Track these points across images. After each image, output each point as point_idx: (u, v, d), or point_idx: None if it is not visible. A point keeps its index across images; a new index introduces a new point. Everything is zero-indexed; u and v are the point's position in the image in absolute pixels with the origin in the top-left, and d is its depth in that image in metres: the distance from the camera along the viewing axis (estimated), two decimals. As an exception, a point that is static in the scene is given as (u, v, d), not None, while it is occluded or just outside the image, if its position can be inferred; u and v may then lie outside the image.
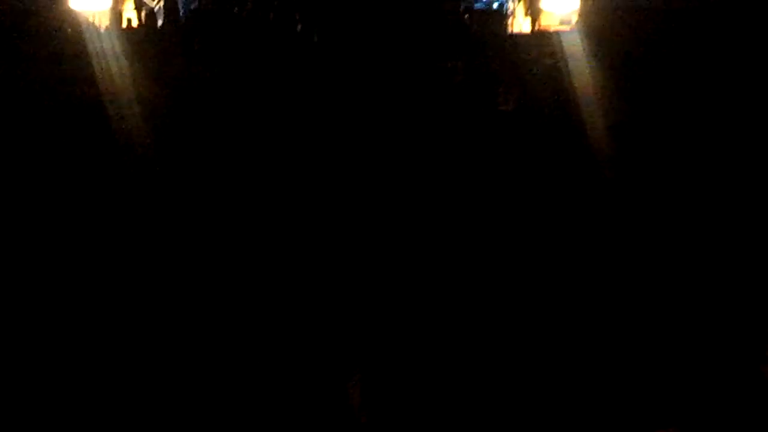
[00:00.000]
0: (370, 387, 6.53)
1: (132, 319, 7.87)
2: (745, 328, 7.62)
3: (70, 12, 18.89)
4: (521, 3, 19.34)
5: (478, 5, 19.65)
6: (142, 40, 18.10)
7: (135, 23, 19.48)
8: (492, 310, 8.22)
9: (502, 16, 19.40)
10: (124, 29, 18.98)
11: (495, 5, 19.78)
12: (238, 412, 6.13)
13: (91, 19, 18.75)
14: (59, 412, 5.99)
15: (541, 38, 17.78)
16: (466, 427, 6.24)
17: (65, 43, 17.36)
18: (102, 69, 16.72)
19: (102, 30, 18.25)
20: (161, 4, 20.18)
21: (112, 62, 16.86)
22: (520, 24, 19.30)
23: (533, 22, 19.08)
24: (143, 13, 19.92)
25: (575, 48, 16.18)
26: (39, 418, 5.92)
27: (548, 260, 9.78)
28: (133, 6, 20.30)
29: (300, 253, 9.69)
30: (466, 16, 19.81)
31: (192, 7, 19.66)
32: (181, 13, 20.20)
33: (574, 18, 17.67)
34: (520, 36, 18.79)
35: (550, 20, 18.42)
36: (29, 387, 6.46)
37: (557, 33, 17.32)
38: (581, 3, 17.89)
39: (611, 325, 7.83)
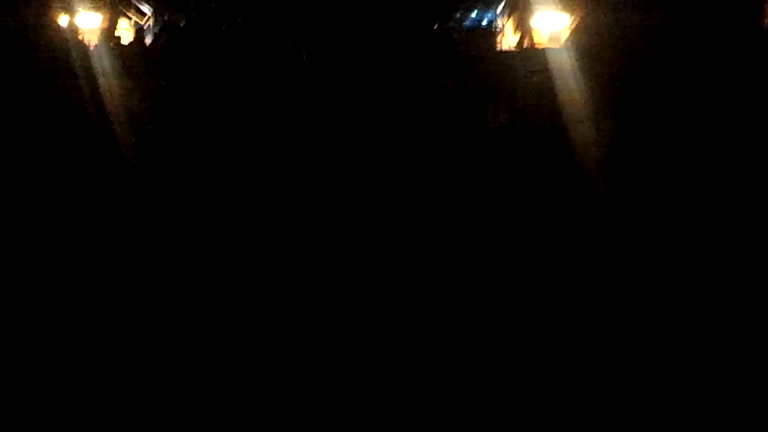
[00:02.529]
0: (357, 409, 6.54)
1: (114, 326, 7.90)
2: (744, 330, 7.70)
3: (59, 29, 18.93)
4: (510, 20, 19.37)
5: (467, 23, 19.70)
6: (131, 56, 18.12)
7: (125, 41, 19.51)
8: (479, 325, 8.22)
9: (490, 33, 19.44)
10: (113, 46, 19.00)
11: (484, 22, 19.83)
12: (230, 423, 6.15)
13: (80, 37, 18.80)
14: (59, 412, 6.00)
15: (529, 56, 17.82)
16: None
17: (55, 59, 17.37)
18: (90, 85, 16.73)
19: (91, 47, 18.29)
20: (151, 21, 20.24)
21: (101, 78, 16.87)
22: (509, 41, 19.34)
23: (522, 39, 19.11)
24: (133, 30, 19.96)
25: (564, 65, 16.20)
26: (39, 418, 5.93)
27: (537, 272, 9.80)
28: (126, 23, 20.37)
29: (283, 266, 9.72)
30: (455, 34, 19.86)
31: (181, 24, 19.70)
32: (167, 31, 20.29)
33: (564, 36, 17.69)
34: (509, 53, 18.83)
35: (539, 38, 18.44)
36: (29, 386, 6.49)
37: (546, 50, 17.34)
38: (570, 21, 17.92)
39: (599, 335, 7.86)
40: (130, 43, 20.00)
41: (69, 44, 18.19)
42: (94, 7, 19.79)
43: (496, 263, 10.24)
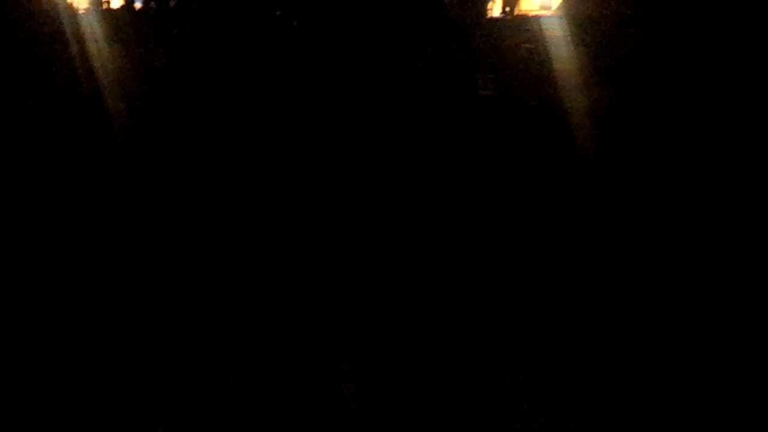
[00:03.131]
0: (362, 374, 6.57)
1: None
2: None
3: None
4: (501, -13, 19.32)
5: (457, -11, 19.62)
6: (121, 21, 18.02)
7: (114, 4, 19.39)
8: (480, 296, 8.26)
9: (480, 0, 19.35)
10: (102, 11, 18.87)
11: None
12: (230, 397, 6.16)
13: (68, 1, 18.67)
14: (59, 411, 5.98)
15: (520, 23, 17.79)
16: (456, 413, 6.27)
17: (43, 25, 17.27)
18: (80, 50, 16.65)
19: (80, 12, 18.17)
20: (139, -15, 20.11)
21: (91, 44, 16.79)
22: (499, 8, 19.27)
23: (512, 6, 19.05)
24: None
25: (555, 33, 16.19)
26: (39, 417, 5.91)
27: (528, 246, 9.81)
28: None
29: (290, 241, 9.71)
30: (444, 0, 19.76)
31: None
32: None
33: (555, 3, 17.65)
34: (499, 20, 18.77)
35: (529, 5, 18.39)
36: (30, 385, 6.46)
37: (537, 18, 17.30)
38: (561, -12, 17.88)
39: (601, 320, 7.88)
40: (120, 8, 19.85)
41: (58, 9, 18.10)
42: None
43: (486, 236, 10.26)
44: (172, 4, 19.17)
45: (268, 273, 8.77)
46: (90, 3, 18.84)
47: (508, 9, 19.20)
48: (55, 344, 7.59)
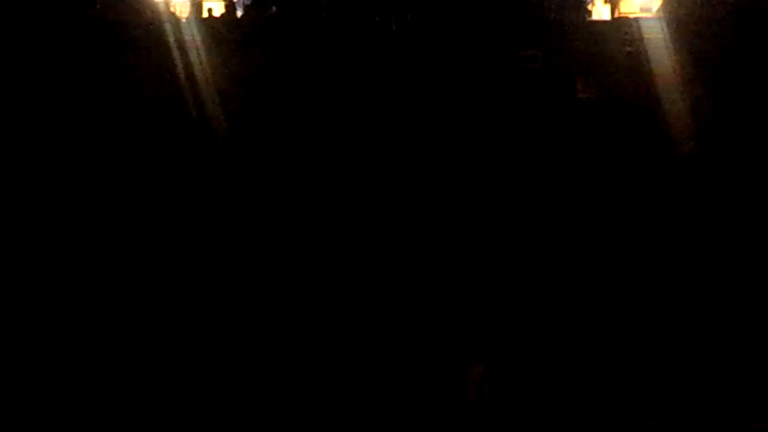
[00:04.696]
0: (488, 375, 6.58)
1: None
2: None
3: (152, 3, 19.10)
4: (601, -10, 19.19)
5: (557, -8, 19.55)
6: (223, 29, 18.25)
7: (216, 13, 19.63)
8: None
9: (581, 3, 19.24)
10: (204, 19, 19.13)
11: (575, -8, 19.61)
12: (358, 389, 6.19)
13: (172, 10, 18.96)
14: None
15: (620, 26, 17.65)
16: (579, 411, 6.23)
17: (149, 33, 17.56)
18: (184, 57, 16.90)
19: (183, 19, 18.44)
20: (241, -7, 20.33)
21: (193, 51, 17.03)
22: (599, 11, 19.15)
23: (613, 9, 18.92)
24: (224, 3, 20.05)
25: (656, 36, 16.04)
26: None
27: (630, 242, 9.72)
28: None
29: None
30: (546, 3, 19.68)
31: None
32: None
33: (655, 5, 17.48)
34: (600, 23, 18.65)
35: (629, 7, 18.25)
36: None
37: (637, 20, 17.16)
38: (662, -10, 17.71)
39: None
40: (222, 15, 20.10)
41: (162, 17, 18.40)
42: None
43: (590, 232, 10.20)
44: (272, 11, 19.36)
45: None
46: (191, 12, 19.10)
47: (609, 12, 19.05)
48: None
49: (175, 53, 16.95)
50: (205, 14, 19.72)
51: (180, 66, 16.66)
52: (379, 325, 7.50)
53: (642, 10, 17.61)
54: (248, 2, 20.19)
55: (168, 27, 17.84)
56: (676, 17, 16.79)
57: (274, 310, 7.93)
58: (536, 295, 8.36)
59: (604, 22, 18.64)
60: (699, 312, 7.85)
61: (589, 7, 18.93)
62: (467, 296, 8.47)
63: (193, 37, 17.39)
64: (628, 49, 16.84)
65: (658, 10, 17.34)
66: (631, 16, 17.94)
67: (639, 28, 16.67)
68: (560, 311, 7.82)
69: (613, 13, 18.73)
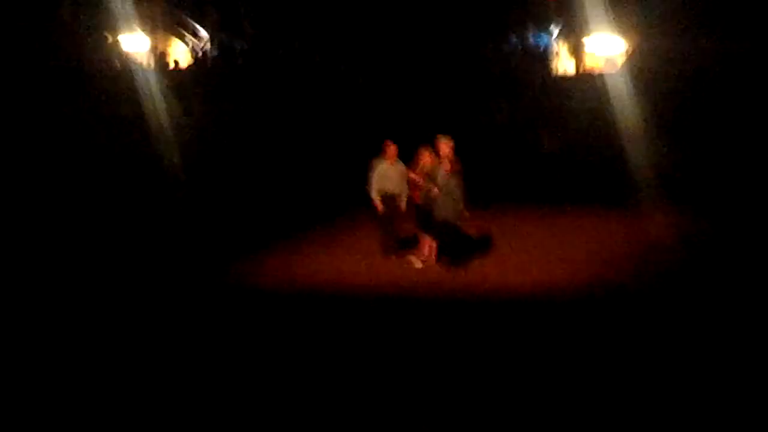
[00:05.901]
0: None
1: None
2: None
3: (122, 54, 19.14)
4: (566, 45, 19.40)
5: (522, 46, 19.77)
6: (191, 79, 18.31)
7: (182, 63, 19.66)
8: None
9: (546, 57, 19.48)
10: (171, 70, 19.21)
11: (540, 47, 19.85)
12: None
13: (139, 60, 19.01)
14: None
15: (585, 80, 17.81)
16: None
17: (119, 81, 17.63)
18: (151, 106, 16.92)
19: (150, 69, 18.48)
20: (208, 45, 20.35)
21: (159, 100, 17.08)
22: (564, 66, 19.36)
23: (578, 63, 19.14)
24: (192, 54, 20.07)
25: (620, 90, 16.20)
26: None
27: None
28: (183, 46, 20.48)
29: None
30: (511, 57, 19.91)
31: (239, 48, 19.85)
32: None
33: (620, 60, 17.71)
34: (565, 77, 18.83)
35: (594, 62, 18.45)
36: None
37: (602, 75, 17.36)
38: (626, 46, 17.94)
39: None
40: (189, 66, 20.20)
41: (129, 66, 18.47)
42: (149, 30, 20.02)
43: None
44: (239, 61, 19.39)
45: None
46: (159, 61, 19.10)
47: (573, 66, 19.21)
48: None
49: (145, 102, 17.02)
50: (172, 65, 19.72)
51: (148, 115, 16.76)
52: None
53: (607, 64, 17.84)
54: (216, 54, 20.26)
55: (137, 76, 17.90)
56: (641, 71, 17.03)
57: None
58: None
59: (569, 76, 18.82)
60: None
61: (554, 61, 19.12)
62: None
63: (160, 86, 17.46)
64: (593, 103, 17.04)
65: (623, 66, 17.57)
66: (596, 71, 18.14)
67: (603, 83, 16.87)
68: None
69: (578, 68, 18.92)
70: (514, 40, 19.64)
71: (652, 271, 10.19)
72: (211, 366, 7.36)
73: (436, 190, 10.29)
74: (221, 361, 7.48)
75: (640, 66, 16.92)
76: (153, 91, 17.36)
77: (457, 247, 10.38)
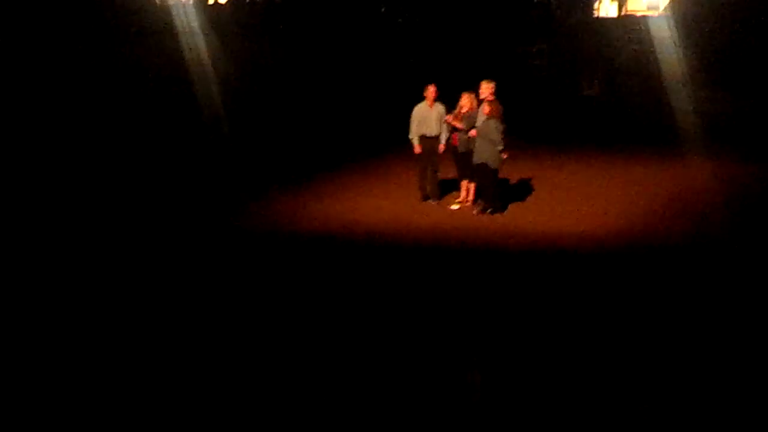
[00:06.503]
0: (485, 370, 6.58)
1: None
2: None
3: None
4: (609, -13, 19.26)
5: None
6: (230, 14, 18.29)
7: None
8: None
9: (588, 0, 19.32)
10: (211, 4, 19.18)
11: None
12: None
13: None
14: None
15: (627, 23, 17.69)
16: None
17: (154, 18, 17.61)
18: (189, 41, 16.91)
19: (189, 4, 18.45)
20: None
21: (198, 35, 17.05)
22: (606, 8, 19.21)
23: (620, 7, 18.99)
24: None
25: (662, 33, 16.07)
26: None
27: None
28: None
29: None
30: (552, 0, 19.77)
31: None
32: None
33: (662, 4, 17.53)
34: (606, 20, 18.70)
35: (637, 5, 18.31)
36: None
37: (644, 18, 17.20)
38: (670, -11, 17.78)
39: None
40: (228, 2, 20.16)
41: (167, 3, 18.46)
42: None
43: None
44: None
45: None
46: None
47: (615, 9, 19.08)
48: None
49: (182, 37, 17.01)
50: (211, 0, 19.70)
51: (185, 49, 16.75)
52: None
53: (649, 8, 17.67)
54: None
55: (173, 12, 17.88)
56: (683, 14, 16.84)
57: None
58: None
59: (610, 19, 18.72)
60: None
61: (596, 5, 18.99)
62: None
63: (200, 22, 17.44)
64: (634, 46, 16.91)
65: (666, 9, 17.39)
66: (638, 14, 17.99)
67: (646, 25, 16.72)
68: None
69: (620, 10, 18.79)
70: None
71: (698, 221, 10.01)
72: (245, 307, 7.37)
73: (473, 132, 10.23)
74: (256, 302, 7.48)
75: (683, 9, 16.78)
76: (192, 26, 17.37)
77: (494, 190, 10.31)
